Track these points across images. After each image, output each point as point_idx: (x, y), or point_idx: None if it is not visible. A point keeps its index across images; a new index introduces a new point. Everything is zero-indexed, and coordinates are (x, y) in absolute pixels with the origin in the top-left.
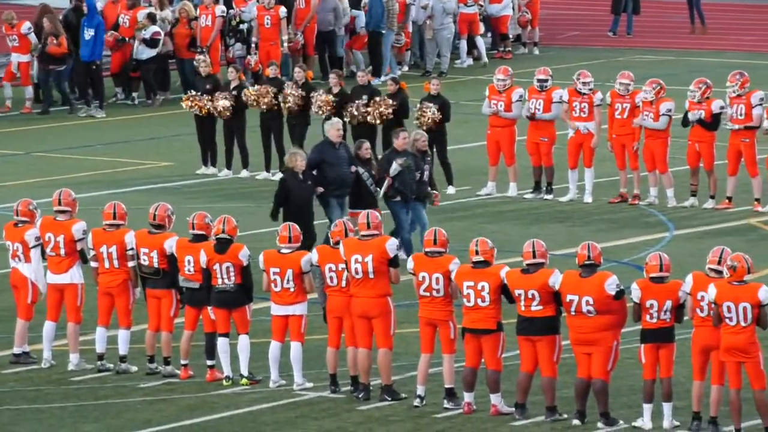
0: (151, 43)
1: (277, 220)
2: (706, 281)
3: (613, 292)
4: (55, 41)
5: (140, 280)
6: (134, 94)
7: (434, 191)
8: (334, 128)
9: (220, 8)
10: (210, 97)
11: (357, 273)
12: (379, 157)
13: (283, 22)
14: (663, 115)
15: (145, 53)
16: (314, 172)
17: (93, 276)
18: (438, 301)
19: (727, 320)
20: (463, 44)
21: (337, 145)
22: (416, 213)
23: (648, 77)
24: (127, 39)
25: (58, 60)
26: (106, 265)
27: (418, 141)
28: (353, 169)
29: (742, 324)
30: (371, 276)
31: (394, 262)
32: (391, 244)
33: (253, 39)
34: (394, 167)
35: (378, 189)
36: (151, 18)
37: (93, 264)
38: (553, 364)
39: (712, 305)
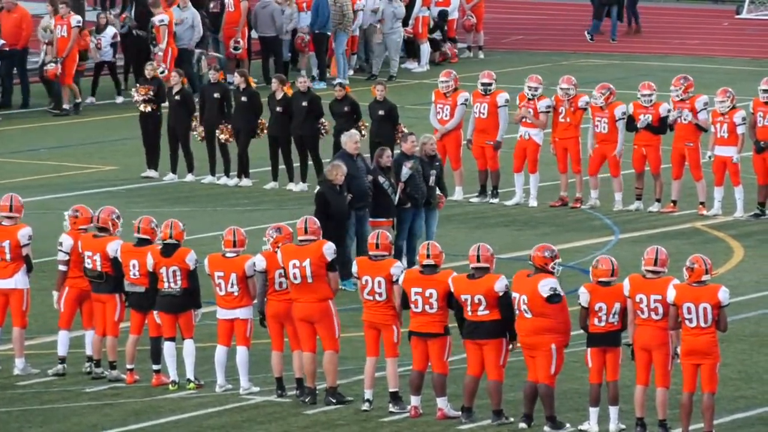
0: None
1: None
2: (643, 283)
3: (545, 294)
4: None
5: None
6: None
7: (441, 194)
8: (351, 140)
9: (76, 18)
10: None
11: (295, 278)
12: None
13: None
14: (619, 119)
15: None
16: None
17: (59, 280)
18: (381, 305)
19: (686, 322)
20: (425, 47)
21: (355, 156)
22: (429, 220)
23: (593, 81)
24: None
25: None
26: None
27: (426, 145)
28: (369, 178)
29: (702, 325)
30: (310, 280)
31: (331, 266)
32: (329, 249)
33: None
34: (405, 171)
35: (394, 196)
36: None
37: (62, 268)
38: (499, 368)
39: (671, 307)
